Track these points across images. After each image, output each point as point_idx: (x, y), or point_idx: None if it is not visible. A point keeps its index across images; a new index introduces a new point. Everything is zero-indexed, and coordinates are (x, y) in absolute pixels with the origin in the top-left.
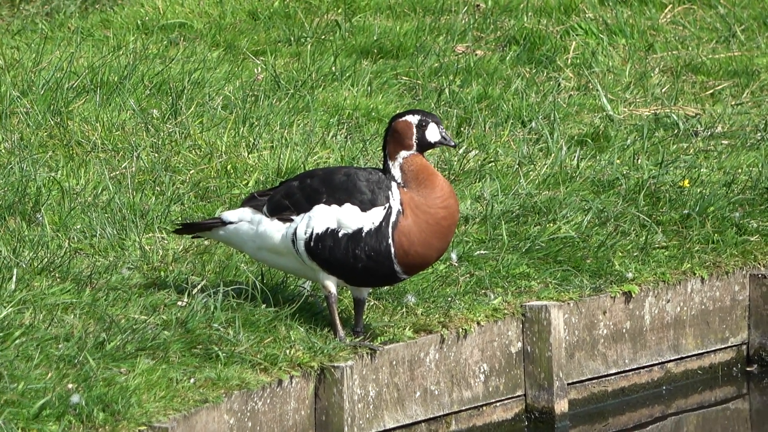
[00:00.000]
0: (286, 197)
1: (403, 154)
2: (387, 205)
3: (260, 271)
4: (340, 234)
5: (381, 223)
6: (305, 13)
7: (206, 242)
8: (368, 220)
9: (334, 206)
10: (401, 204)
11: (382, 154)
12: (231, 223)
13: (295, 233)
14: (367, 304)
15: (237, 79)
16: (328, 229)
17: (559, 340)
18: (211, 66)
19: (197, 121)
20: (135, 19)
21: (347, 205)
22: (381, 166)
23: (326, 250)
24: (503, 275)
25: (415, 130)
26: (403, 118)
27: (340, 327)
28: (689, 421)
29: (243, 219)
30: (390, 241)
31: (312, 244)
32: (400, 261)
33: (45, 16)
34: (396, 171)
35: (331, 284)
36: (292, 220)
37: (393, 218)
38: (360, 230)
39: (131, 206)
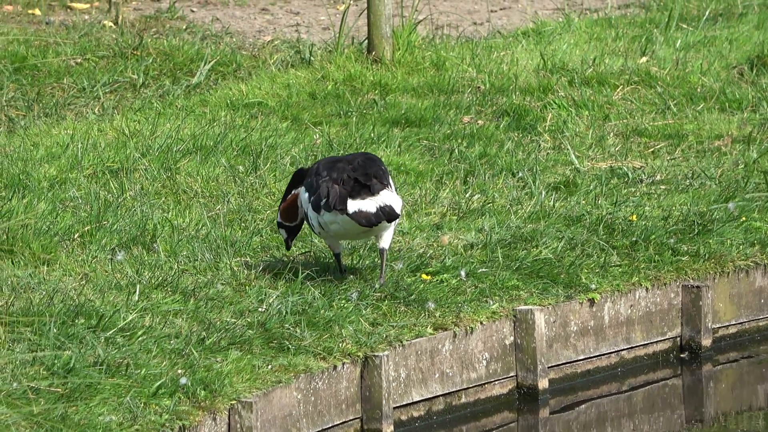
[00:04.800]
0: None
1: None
2: None
3: (318, 285)
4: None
5: None
6: (351, 94)
7: (279, 264)
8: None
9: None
10: None
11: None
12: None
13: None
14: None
15: (301, 143)
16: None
17: (541, 334)
18: (282, 133)
19: (272, 175)
20: (225, 99)
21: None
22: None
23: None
24: (499, 287)
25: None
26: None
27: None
28: (637, 394)
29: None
30: None
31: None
32: None
33: (159, 97)
34: None
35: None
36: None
37: None
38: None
39: (224, 238)
